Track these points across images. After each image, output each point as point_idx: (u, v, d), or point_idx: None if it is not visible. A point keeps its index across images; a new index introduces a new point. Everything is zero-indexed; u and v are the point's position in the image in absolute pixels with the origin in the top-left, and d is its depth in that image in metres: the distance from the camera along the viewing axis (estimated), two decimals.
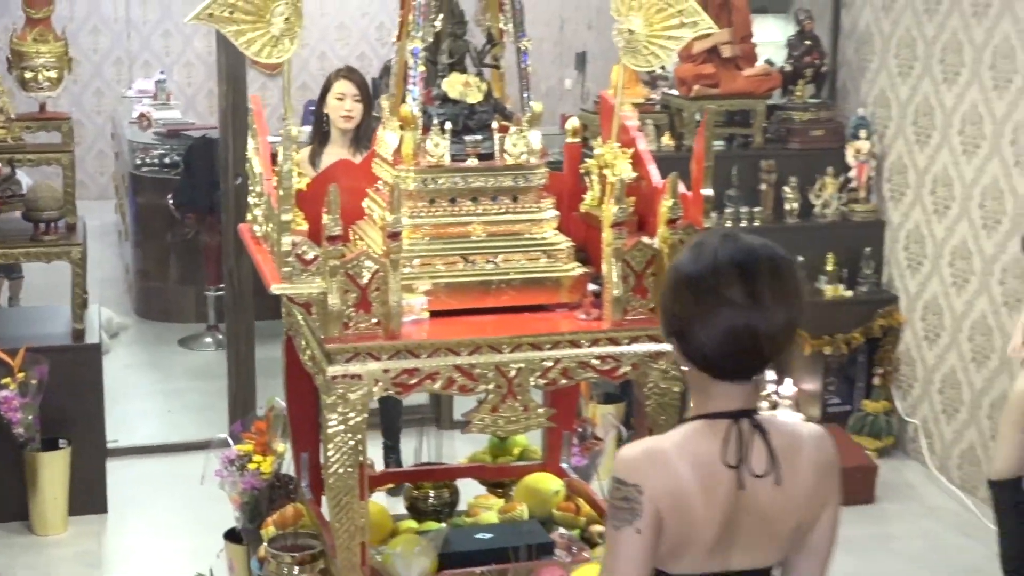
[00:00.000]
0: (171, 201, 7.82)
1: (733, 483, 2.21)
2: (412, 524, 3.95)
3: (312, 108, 9.72)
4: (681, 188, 3.35)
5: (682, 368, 2.32)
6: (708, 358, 2.22)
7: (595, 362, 3.26)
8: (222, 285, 6.58)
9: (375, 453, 4.66)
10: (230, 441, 4.26)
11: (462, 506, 4.09)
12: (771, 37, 6.66)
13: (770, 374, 6.51)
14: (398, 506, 4.10)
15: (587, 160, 3.70)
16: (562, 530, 3.77)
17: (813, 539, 2.33)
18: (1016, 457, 4.46)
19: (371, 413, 3.28)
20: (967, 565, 5.01)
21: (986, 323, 5.75)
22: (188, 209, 7.72)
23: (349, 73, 5.37)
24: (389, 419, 5.73)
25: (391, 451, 5.72)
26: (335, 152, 5.13)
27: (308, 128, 9.50)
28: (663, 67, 6.62)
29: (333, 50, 11.86)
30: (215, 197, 6.73)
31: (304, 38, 10.75)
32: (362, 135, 5.21)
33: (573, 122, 3.82)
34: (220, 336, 7.42)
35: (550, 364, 3.22)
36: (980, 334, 5.81)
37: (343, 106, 5.24)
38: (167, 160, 8.33)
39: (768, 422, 2.27)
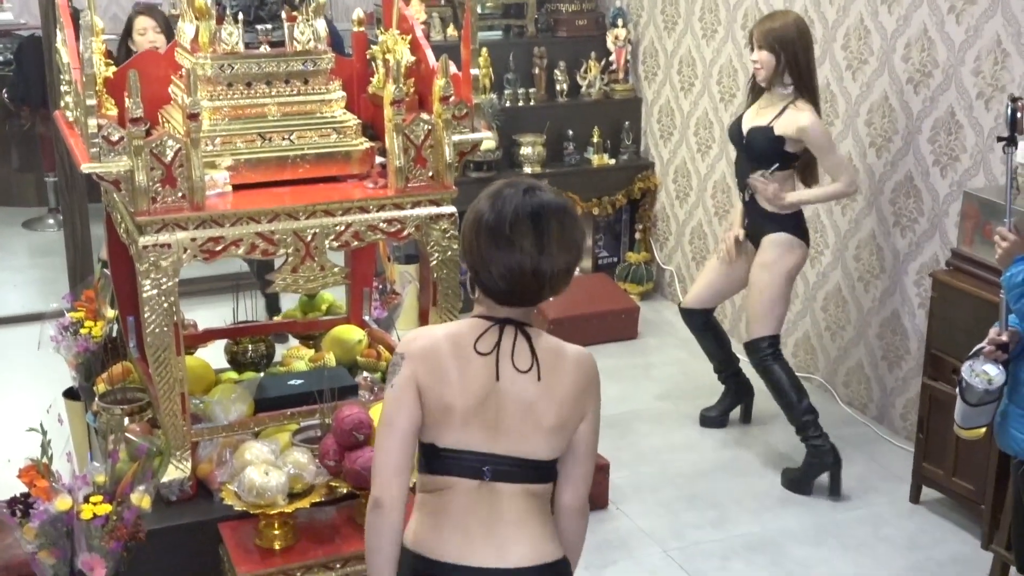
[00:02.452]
0: (6, 95, 7.45)
1: (488, 370, 2.26)
2: (232, 375, 3.86)
3: (139, 8, 9.30)
4: (453, 69, 3.27)
5: (473, 292, 2.36)
6: (496, 290, 2.27)
7: (382, 225, 3.20)
8: None
9: (199, 314, 4.52)
10: (64, 310, 4.11)
11: (278, 359, 4.02)
12: None
13: None
14: (221, 360, 4.00)
15: (372, 47, 3.59)
16: (366, 374, 3.74)
17: (576, 444, 2.36)
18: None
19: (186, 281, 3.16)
20: (708, 384, 5.15)
21: (725, 182, 5.85)
22: (22, 102, 7.35)
23: (146, 9, 5.17)
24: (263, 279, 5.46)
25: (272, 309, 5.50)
26: None
27: None
28: None
29: None
30: (46, 90, 6.37)
31: None
32: None
33: (358, 12, 3.69)
34: (60, 217, 7.09)
35: (342, 228, 3.15)
36: (721, 191, 5.92)
37: (146, 39, 5.02)
38: (0, 59, 7.83)
39: (536, 332, 2.33)
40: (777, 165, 4.44)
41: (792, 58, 4.36)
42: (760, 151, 4.46)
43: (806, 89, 4.40)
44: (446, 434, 2.29)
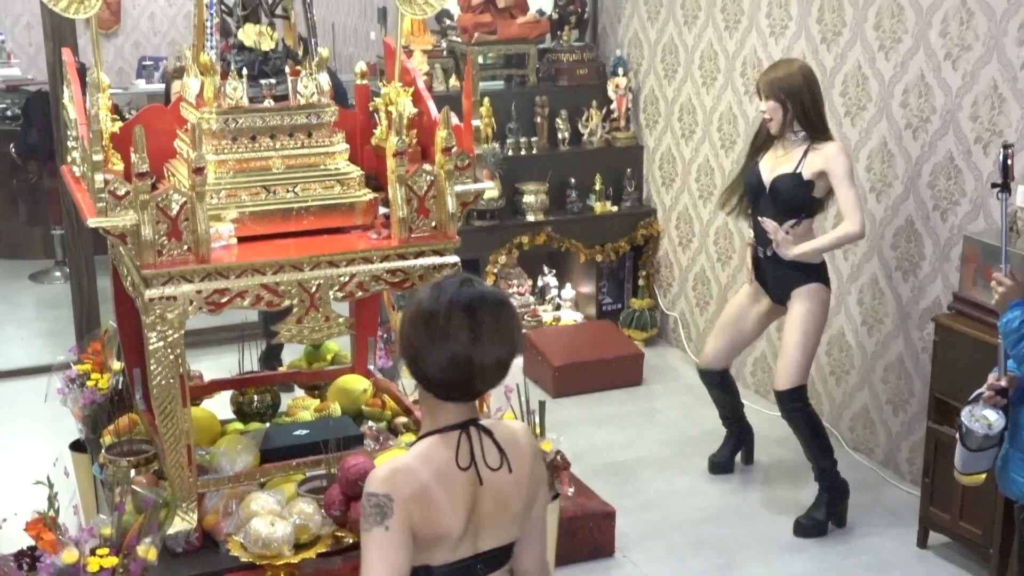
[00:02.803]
0: (13, 150, 7.53)
1: (471, 481, 2.26)
2: (238, 426, 3.88)
3: (145, 63, 9.41)
4: (455, 120, 3.32)
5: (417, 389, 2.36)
6: (434, 381, 2.25)
7: (386, 275, 3.24)
8: None
9: (204, 364, 4.54)
10: (70, 363, 4.14)
11: (283, 409, 4.04)
12: None
13: (552, 280, 6.60)
14: (226, 411, 4.02)
15: (375, 99, 3.64)
16: (371, 423, 3.76)
17: (533, 513, 2.39)
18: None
19: (192, 332, 3.18)
20: (714, 430, 5.15)
21: (727, 228, 5.89)
22: (29, 156, 7.42)
23: (180, 74, 5.22)
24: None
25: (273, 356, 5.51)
26: None
27: (142, 81, 9.23)
28: (450, 18, 6.58)
29: (161, 9, 11.39)
30: (53, 144, 6.45)
31: (135, 0, 10.20)
32: None
33: (361, 65, 3.74)
34: (67, 270, 7.14)
35: (346, 279, 3.19)
36: (723, 237, 5.95)
37: None
38: (8, 113, 7.92)
39: (491, 424, 2.34)
40: (806, 213, 4.46)
41: (799, 107, 4.37)
42: (788, 198, 4.43)
43: (820, 133, 4.42)
44: (440, 554, 2.28)
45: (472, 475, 2.26)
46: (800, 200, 4.43)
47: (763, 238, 4.56)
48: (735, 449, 5.05)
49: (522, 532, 2.38)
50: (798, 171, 4.41)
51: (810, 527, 4.52)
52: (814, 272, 4.51)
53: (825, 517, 4.53)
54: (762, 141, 4.60)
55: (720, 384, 4.93)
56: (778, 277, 4.58)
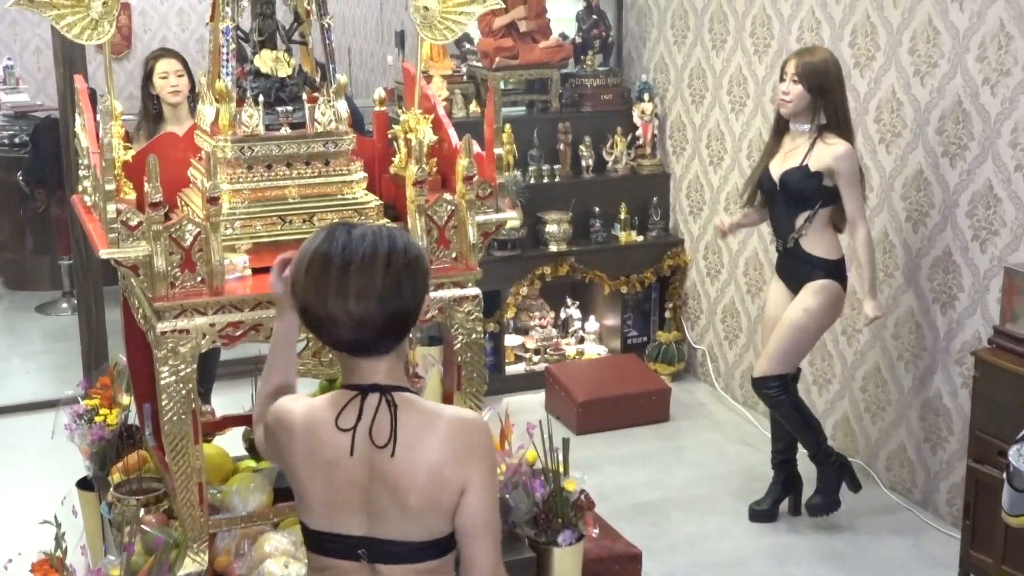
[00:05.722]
0: (21, 178, 7.57)
1: (341, 447, 2.20)
2: (251, 464, 3.88)
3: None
4: (476, 148, 3.34)
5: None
6: (322, 337, 2.24)
7: None
8: None
9: (217, 400, 4.56)
10: (78, 397, 4.16)
11: None
12: (563, 12, 6.66)
13: (576, 312, 6.60)
14: (239, 447, 4.03)
15: (394, 126, 3.67)
16: None
17: (461, 521, 2.21)
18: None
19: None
20: (745, 469, 5.14)
21: (757, 259, 5.88)
22: (37, 185, 7.48)
23: (166, 52, 5.22)
24: (207, 367, 5.47)
25: (203, 397, 5.45)
26: (173, 130, 4.96)
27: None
28: (470, 42, 6.62)
29: (173, 34, 11.50)
30: (62, 172, 6.50)
31: (145, 24, 10.31)
32: (194, 107, 5.06)
33: (379, 92, 3.77)
34: (75, 301, 7.18)
35: None
36: (753, 268, 5.95)
37: (168, 83, 5.07)
38: (16, 140, 7.98)
39: (406, 400, 2.21)
40: (820, 203, 4.54)
41: (829, 95, 4.48)
42: (798, 192, 4.54)
43: (841, 126, 4.50)
44: (311, 517, 2.26)
45: (347, 441, 2.19)
46: (810, 192, 4.53)
47: (782, 231, 4.68)
48: (781, 497, 4.94)
49: (446, 534, 2.22)
50: (805, 163, 4.53)
51: (823, 506, 4.72)
52: (829, 268, 4.61)
53: (836, 492, 4.71)
54: (772, 145, 4.72)
55: (781, 395, 4.72)
56: (796, 269, 4.68)
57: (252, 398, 4.16)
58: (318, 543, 2.26)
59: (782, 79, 4.57)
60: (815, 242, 4.60)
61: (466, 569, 2.24)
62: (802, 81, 4.47)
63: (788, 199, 4.59)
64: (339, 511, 2.21)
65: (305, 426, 2.23)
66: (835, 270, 4.62)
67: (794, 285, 4.70)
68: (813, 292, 4.61)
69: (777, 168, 4.63)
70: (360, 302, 2.14)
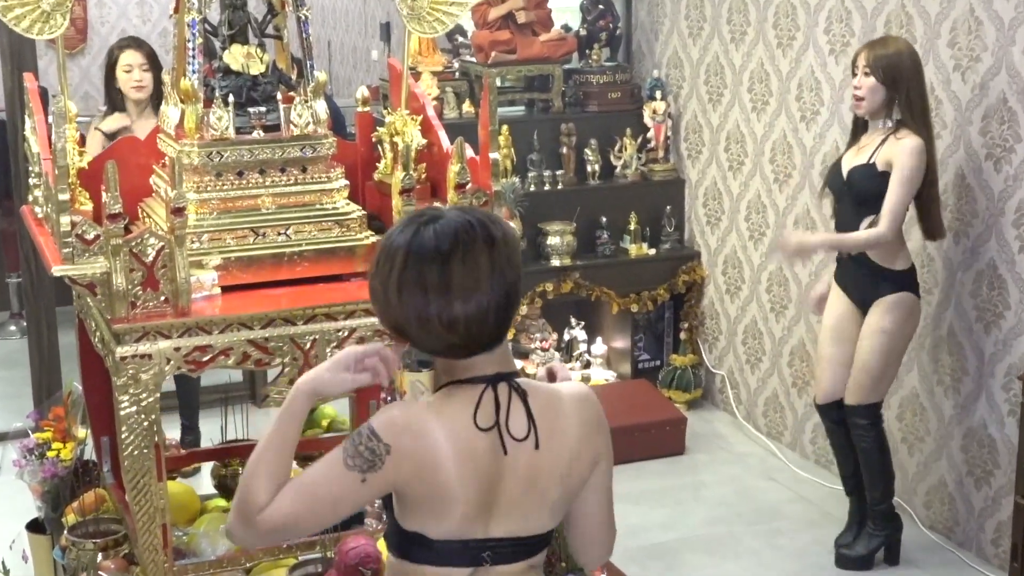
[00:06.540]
0: None
1: (492, 448, 2.19)
2: (221, 503, 3.89)
3: None
4: (469, 152, 3.35)
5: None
6: (424, 345, 2.22)
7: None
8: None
9: (177, 433, 4.56)
10: (28, 430, 4.16)
11: None
12: (565, 2, 6.68)
13: (581, 333, 6.60)
14: (207, 485, 4.03)
15: (379, 129, 3.68)
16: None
17: (587, 498, 2.33)
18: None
19: (169, 394, 3.21)
20: (769, 506, 5.14)
21: (782, 274, 5.90)
22: None
23: (132, 42, 5.23)
24: (186, 397, 5.53)
25: (188, 431, 5.52)
26: (137, 129, 4.98)
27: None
28: (463, 35, 6.65)
29: (134, 27, 11.54)
30: (9, 181, 6.51)
31: (102, 16, 10.31)
32: (158, 103, 5.08)
33: (362, 91, 3.79)
34: (24, 323, 7.18)
35: (345, 334, 3.21)
36: (777, 284, 5.96)
37: (132, 77, 5.10)
38: None
39: (527, 384, 2.26)
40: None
41: (904, 93, 4.50)
42: (865, 192, 4.56)
43: (916, 120, 4.51)
44: (438, 526, 2.21)
45: (494, 440, 2.19)
46: (874, 191, 4.54)
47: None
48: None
49: (569, 517, 2.33)
50: (872, 161, 4.56)
51: (859, 560, 4.76)
52: (901, 279, 4.63)
53: (873, 551, 4.76)
54: (851, 140, 4.76)
55: (871, 429, 4.74)
56: (861, 280, 4.68)
57: (222, 431, 4.19)
58: (435, 553, 2.23)
59: (854, 74, 4.61)
60: (882, 249, 4.60)
61: (587, 547, 2.42)
62: (874, 73, 4.50)
63: (854, 198, 4.62)
64: (473, 517, 2.21)
65: (450, 437, 2.17)
66: (905, 281, 4.63)
67: (857, 298, 4.70)
68: (886, 310, 4.60)
69: (848, 165, 4.67)
70: (480, 292, 2.15)
